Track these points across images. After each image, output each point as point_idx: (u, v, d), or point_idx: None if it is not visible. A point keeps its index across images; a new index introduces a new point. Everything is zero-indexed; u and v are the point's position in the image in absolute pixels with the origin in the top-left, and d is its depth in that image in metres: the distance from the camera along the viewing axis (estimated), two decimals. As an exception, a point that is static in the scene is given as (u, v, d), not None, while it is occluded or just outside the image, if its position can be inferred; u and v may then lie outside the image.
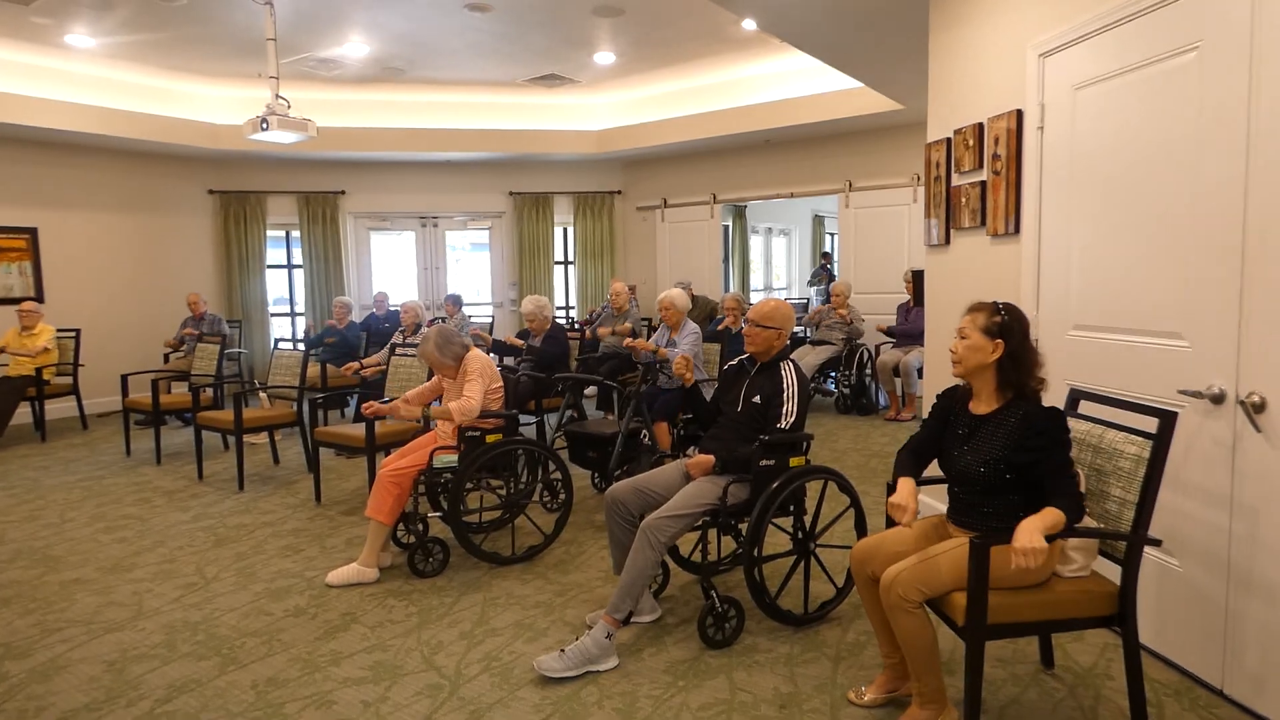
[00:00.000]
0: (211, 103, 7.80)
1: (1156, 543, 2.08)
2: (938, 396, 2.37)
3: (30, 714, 2.44)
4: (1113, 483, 2.13)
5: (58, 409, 7.16)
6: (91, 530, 4.22)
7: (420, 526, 3.59)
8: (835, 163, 8.06)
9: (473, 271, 10.07)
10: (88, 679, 2.65)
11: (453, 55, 6.75)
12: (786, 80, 7.37)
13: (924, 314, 4.22)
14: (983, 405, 2.21)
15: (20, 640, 2.94)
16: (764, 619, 2.88)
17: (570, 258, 9.86)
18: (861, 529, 2.96)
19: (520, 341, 5.81)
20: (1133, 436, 2.11)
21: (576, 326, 7.40)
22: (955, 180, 3.66)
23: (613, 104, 8.59)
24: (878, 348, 7.06)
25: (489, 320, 8.04)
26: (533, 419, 5.29)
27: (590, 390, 6.62)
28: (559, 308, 9.71)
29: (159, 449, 5.75)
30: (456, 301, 7.71)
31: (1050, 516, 1.97)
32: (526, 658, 2.69)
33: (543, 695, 2.46)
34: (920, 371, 6.26)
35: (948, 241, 3.77)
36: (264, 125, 5.22)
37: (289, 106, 5.37)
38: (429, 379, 3.98)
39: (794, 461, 2.84)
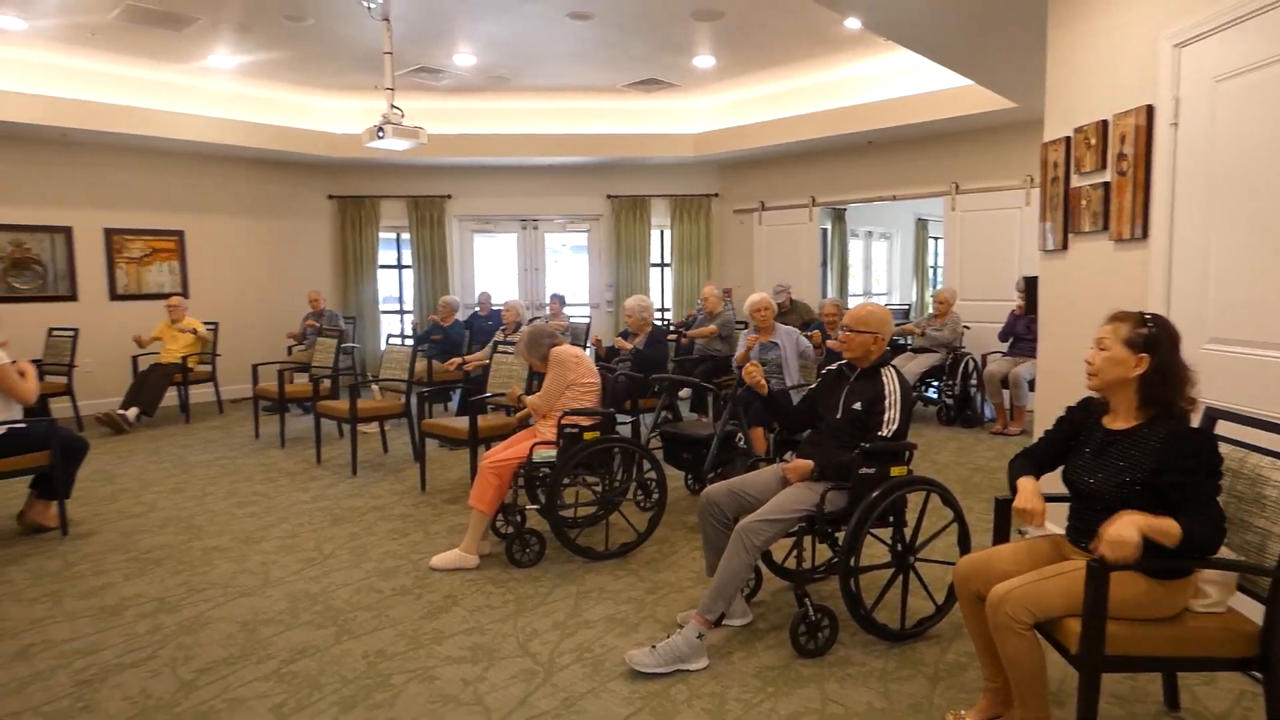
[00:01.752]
0: (331, 114, 8.30)
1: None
2: (1069, 407, 2.24)
3: (180, 662, 2.71)
4: (1255, 512, 1.96)
5: (199, 394, 7.77)
6: (227, 504, 4.58)
7: (518, 518, 3.71)
8: (941, 164, 7.78)
9: (571, 273, 10.27)
10: (225, 636, 2.90)
11: (555, 62, 6.93)
12: (890, 79, 7.17)
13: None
14: (1119, 420, 2.07)
15: (171, 597, 3.26)
16: (858, 631, 2.82)
17: (667, 260, 9.92)
18: (965, 545, 2.85)
19: (626, 344, 5.81)
20: (1280, 462, 1.94)
21: (674, 329, 7.43)
22: (1075, 181, 3.48)
23: (711, 107, 8.59)
24: (984, 357, 6.77)
25: (586, 321, 8.19)
26: (629, 418, 5.36)
27: (684, 391, 6.65)
28: (654, 310, 9.78)
29: (283, 434, 6.19)
30: (561, 300, 7.90)
31: (1162, 522, 1.81)
32: (618, 651, 2.73)
33: (633, 689, 2.50)
34: (1031, 384, 5.96)
35: (1065, 246, 3.59)
36: (380, 134, 5.51)
37: (403, 116, 5.64)
38: (530, 377, 4.10)
39: (895, 471, 2.77)
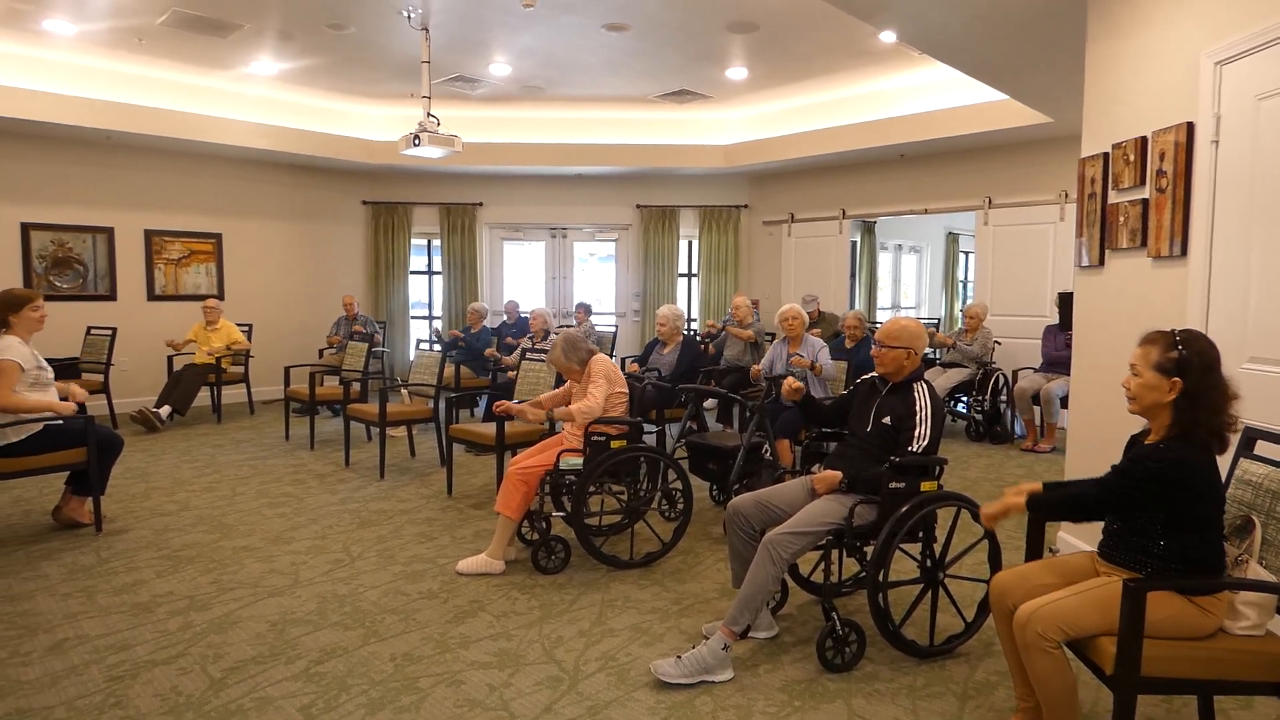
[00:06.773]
0: (368, 120, 8.44)
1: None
2: (1129, 440, 2.21)
3: (210, 660, 2.74)
4: (1293, 532, 1.93)
5: (231, 395, 7.89)
6: (257, 504, 4.65)
7: (544, 525, 3.72)
8: (974, 178, 7.72)
9: (598, 281, 10.32)
10: (255, 635, 2.93)
11: (589, 73, 6.99)
12: (924, 93, 7.15)
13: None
14: (1151, 438, 2.06)
15: (202, 595, 3.31)
16: (886, 647, 2.80)
17: (694, 270, 9.93)
18: (996, 562, 2.82)
19: (635, 367, 5.79)
20: (1321, 483, 1.91)
21: (701, 340, 7.42)
22: (1112, 198, 3.44)
23: (742, 119, 8.61)
24: (1015, 373, 6.69)
25: (612, 330, 8.21)
26: (655, 428, 5.36)
27: (710, 402, 6.63)
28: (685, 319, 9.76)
29: (313, 436, 6.26)
30: (586, 309, 7.94)
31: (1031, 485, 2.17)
32: (643, 660, 2.73)
33: (658, 699, 2.50)
34: (1064, 400, 5.88)
35: (1102, 263, 3.54)
36: (416, 141, 5.60)
37: (438, 124, 5.73)
38: (556, 385, 4.12)
39: (925, 486, 2.75)
